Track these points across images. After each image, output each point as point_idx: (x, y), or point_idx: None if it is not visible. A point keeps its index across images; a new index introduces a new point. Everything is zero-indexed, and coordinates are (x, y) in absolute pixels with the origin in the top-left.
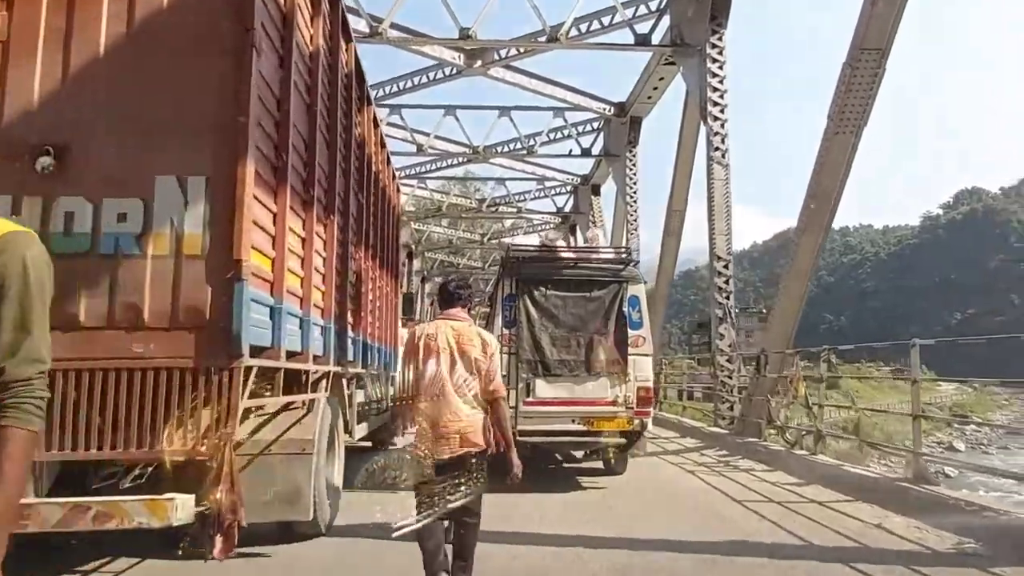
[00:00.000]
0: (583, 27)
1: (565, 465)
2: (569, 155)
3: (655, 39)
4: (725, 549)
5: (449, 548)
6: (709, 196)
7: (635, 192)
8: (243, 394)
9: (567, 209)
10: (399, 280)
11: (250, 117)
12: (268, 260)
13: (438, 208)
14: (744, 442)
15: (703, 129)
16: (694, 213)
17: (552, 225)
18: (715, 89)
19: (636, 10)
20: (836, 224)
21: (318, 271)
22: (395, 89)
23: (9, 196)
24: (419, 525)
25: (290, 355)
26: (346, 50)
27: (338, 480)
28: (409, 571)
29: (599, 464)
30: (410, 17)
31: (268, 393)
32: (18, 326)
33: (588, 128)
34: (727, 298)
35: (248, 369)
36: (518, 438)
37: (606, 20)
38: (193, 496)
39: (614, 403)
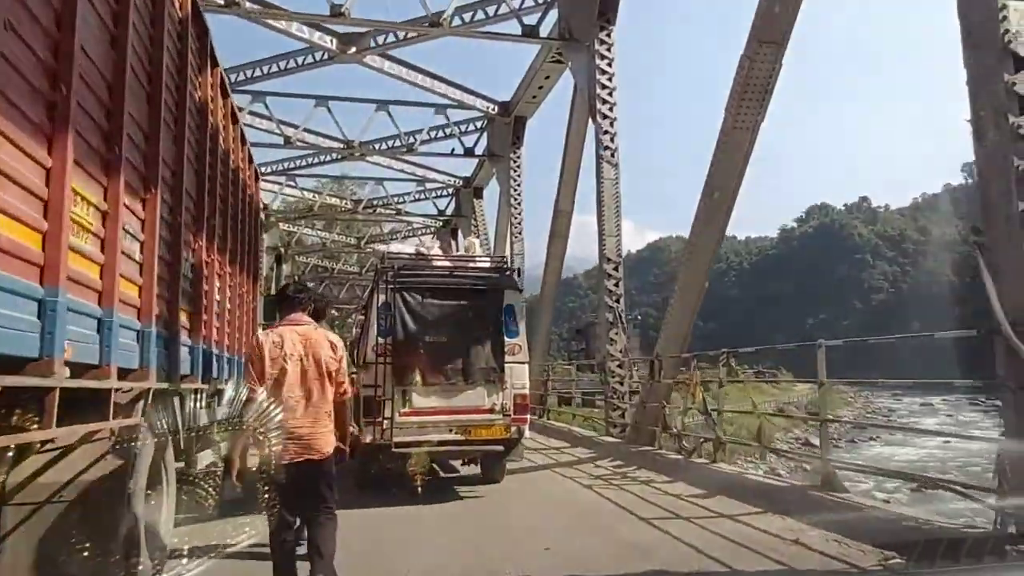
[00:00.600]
0: (467, 16)
1: (443, 475)
2: (451, 154)
3: (543, 32)
4: None
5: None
6: (598, 196)
7: (519, 194)
8: None
9: (449, 212)
10: (259, 282)
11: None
12: (30, 231)
13: (310, 209)
14: (639, 451)
15: (591, 129)
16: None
17: (432, 229)
18: (604, 86)
19: (523, 1)
20: None
21: (130, 257)
22: (259, 73)
23: None
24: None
25: (79, 368)
26: None
27: (165, 529)
28: None
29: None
30: None
31: (36, 426)
32: None
33: (471, 127)
34: (617, 301)
35: None
36: (394, 449)
37: (491, 10)
38: None
39: (491, 411)
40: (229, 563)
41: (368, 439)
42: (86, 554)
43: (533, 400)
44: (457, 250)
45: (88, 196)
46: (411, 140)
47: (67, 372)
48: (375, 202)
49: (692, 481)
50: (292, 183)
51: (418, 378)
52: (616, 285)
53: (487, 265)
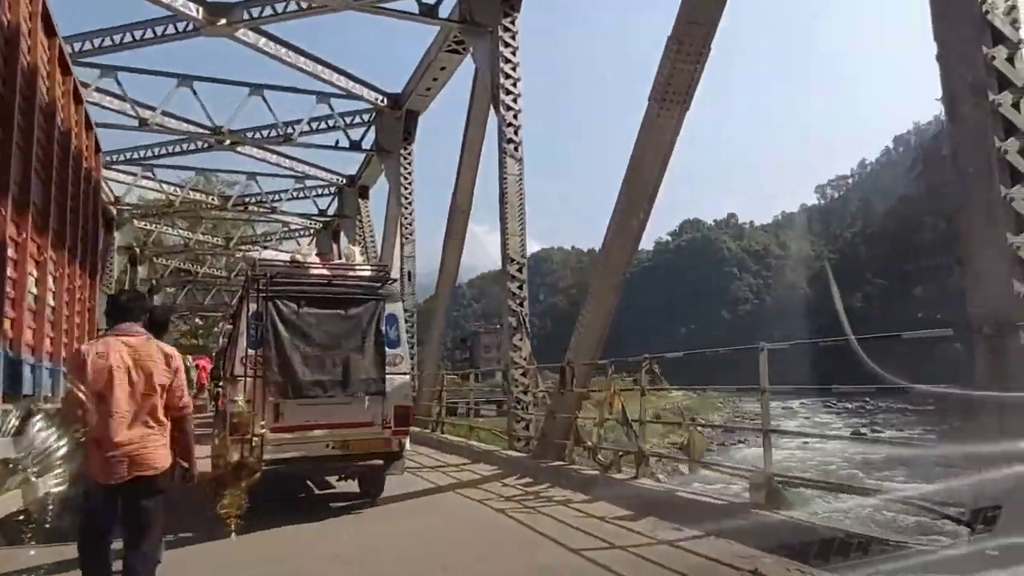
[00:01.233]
0: None
1: (318, 492)
2: (336, 147)
3: (443, 14)
4: None
5: None
6: (501, 193)
7: (411, 194)
8: None
9: (331, 212)
10: (102, 282)
11: None
12: None
13: (171, 204)
14: (549, 466)
15: (493, 124)
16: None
17: (312, 231)
18: (508, 75)
19: None
20: (583, 245)
21: None
22: (108, 43)
23: None
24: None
25: None
26: None
27: None
28: None
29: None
30: None
31: None
32: None
33: (358, 120)
34: (521, 305)
35: None
36: (265, 467)
37: None
38: None
39: (371, 424)
40: None
41: (235, 457)
42: None
43: (424, 412)
44: (339, 253)
45: None
46: (289, 130)
47: None
48: (247, 199)
49: (615, 500)
50: (150, 174)
51: (292, 391)
52: (520, 288)
53: (368, 274)
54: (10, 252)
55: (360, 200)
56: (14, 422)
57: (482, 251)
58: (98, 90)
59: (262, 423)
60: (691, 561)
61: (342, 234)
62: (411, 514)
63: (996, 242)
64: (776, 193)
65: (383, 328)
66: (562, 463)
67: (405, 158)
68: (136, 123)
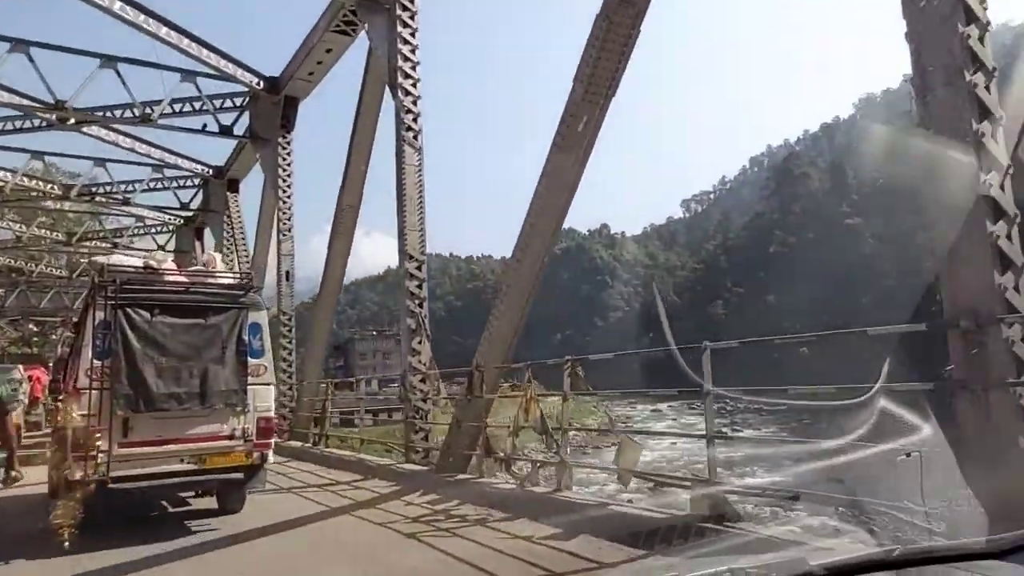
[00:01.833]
0: None
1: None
2: (203, 131)
3: None
4: None
5: None
6: (399, 185)
7: (289, 186)
8: None
9: (194, 206)
10: None
11: None
12: None
13: None
14: (456, 480)
15: (387, 115)
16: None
17: (172, 227)
18: (406, 58)
19: None
20: (461, 253)
21: None
22: None
23: None
24: None
25: None
26: None
27: None
28: None
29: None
30: None
31: None
32: None
33: (229, 104)
34: (420, 305)
35: None
36: (111, 485)
37: None
38: None
39: (231, 437)
40: None
41: (79, 475)
42: None
43: (304, 424)
44: (203, 249)
45: None
46: (148, 111)
47: None
48: (94, 189)
49: (538, 517)
50: None
51: (143, 404)
52: (419, 287)
53: (230, 281)
54: None
55: (229, 194)
56: None
57: (355, 255)
58: None
59: (101, 439)
60: None
61: (207, 231)
62: (303, 544)
63: (974, 232)
64: (646, 204)
65: (245, 337)
66: (470, 476)
67: (284, 147)
68: None
